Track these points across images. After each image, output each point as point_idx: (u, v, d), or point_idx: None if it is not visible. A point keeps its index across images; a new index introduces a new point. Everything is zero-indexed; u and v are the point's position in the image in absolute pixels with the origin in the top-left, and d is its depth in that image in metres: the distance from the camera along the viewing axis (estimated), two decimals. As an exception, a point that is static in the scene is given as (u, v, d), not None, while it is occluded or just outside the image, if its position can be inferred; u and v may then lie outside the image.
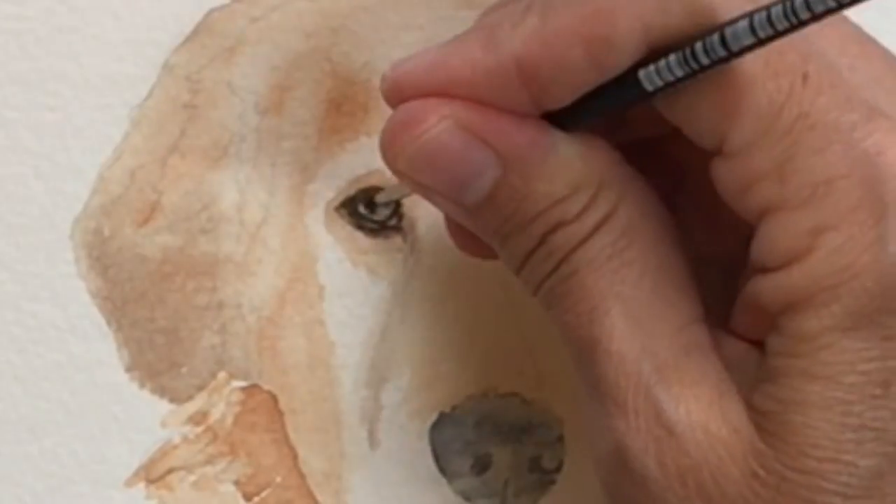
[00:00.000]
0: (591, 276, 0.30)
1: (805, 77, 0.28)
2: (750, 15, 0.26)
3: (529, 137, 0.30)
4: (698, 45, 0.27)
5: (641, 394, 0.30)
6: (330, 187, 0.38)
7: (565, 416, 0.38)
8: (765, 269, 0.29)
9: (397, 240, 0.38)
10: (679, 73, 0.28)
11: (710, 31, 0.27)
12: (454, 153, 0.31)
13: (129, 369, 0.37)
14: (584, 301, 0.30)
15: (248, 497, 0.38)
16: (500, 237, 0.31)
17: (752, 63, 0.28)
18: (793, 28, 0.26)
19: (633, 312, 0.30)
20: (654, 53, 0.28)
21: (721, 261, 0.33)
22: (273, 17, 0.38)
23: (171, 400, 0.38)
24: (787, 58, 0.28)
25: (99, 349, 0.37)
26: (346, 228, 0.38)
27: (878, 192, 0.28)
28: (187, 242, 0.38)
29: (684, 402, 0.29)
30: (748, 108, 0.28)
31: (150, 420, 0.37)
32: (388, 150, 0.32)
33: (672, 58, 0.28)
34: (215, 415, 0.38)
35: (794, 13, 0.25)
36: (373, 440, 0.38)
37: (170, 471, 0.37)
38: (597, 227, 0.30)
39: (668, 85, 0.28)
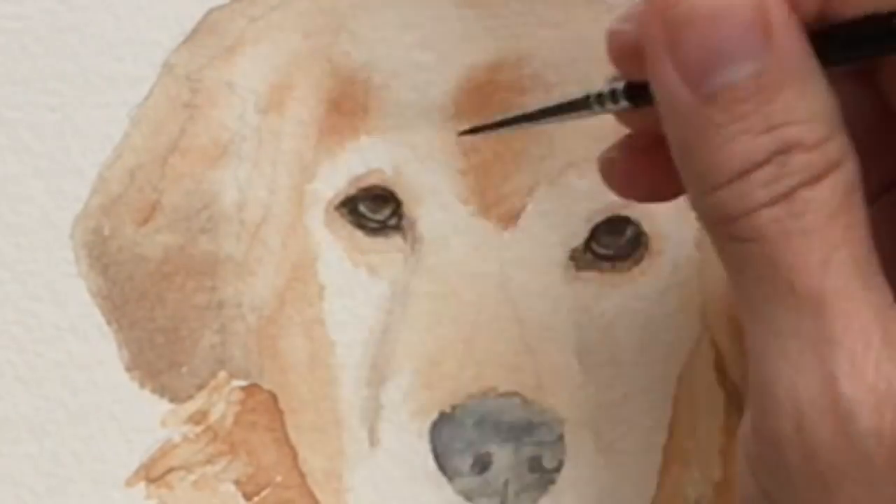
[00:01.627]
0: (826, 224, 0.28)
1: None
2: None
3: (804, 47, 0.28)
4: None
5: (872, 362, 0.27)
6: (330, 186, 0.38)
7: (565, 415, 0.38)
8: None
9: (397, 239, 0.38)
10: None
11: None
12: (734, 28, 0.28)
13: (129, 369, 0.37)
14: (816, 250, 0.28)
15: (248, 496, 0.38)
16: (721, 138, 0.28)
17: None
18: None
19: (864, 277, 0.28)
20: None
21: None
22: (273, 17, 0.38)
23: (171, 399, 0.38)
24: None
25: (99, 349, 0.37)
26: (346, 228, 0.38)
27: None
28: (187, 242, 0.38)
29: None
30: None
31: (150, 419, 0.37)
32: None
33: None
34: (215, 414, 0.38)
35: None
36: (373, 439, 0.38)
37: (170, 470, 0.37)
38: (832, 167, 0.28)
39: None
